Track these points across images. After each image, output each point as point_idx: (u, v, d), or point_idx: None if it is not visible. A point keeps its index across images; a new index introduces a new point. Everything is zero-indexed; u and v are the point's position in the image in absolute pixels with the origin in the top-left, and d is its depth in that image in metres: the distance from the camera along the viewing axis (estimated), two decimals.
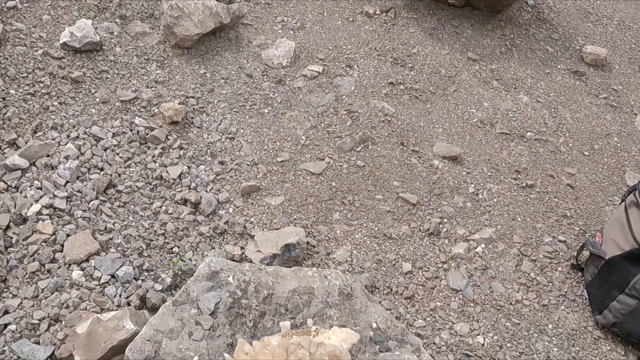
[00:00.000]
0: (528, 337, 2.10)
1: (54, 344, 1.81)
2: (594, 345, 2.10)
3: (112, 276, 2.08)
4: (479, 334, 2.09)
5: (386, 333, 1.52)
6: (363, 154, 2.81)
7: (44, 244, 2.12)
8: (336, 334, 0.89)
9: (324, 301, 1.53)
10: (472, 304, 2.20)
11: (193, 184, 2.53)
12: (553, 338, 2.11)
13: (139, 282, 2.10)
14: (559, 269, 2.37)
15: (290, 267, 1.79)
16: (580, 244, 2.37)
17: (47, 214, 2.21)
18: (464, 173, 2.79)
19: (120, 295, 2.02)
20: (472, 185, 2.73)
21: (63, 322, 1.87)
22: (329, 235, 2.42)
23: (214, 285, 1.51)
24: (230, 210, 2.50)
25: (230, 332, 1.40)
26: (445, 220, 2.54)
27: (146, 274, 2.15)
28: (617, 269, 2.05)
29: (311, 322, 1.48)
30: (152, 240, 2.29)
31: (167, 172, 2.56)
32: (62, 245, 2.12)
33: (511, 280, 2.31)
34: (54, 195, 2.28)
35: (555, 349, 2.07)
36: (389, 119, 2.98)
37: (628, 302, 2.01)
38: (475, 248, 2.43)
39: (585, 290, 2.25)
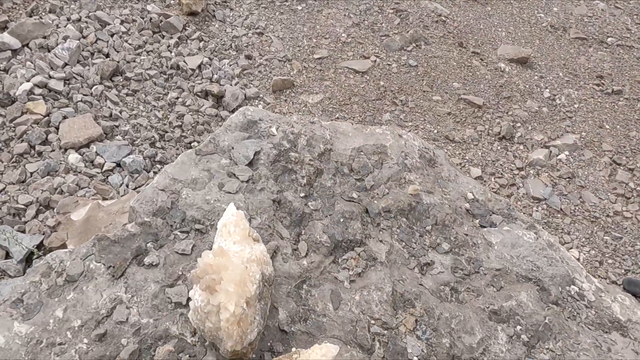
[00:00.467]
0: (634, 252, 1.68)
1: (43, 233, 1.42)
2: None
3: (118, 164, 1.68)
4: (571, 247, 1.67)
5: (487, 206, 1.10)
6: (415, 54, 2.37)
7: (34, 125, 1.72)
8: (315, 351, 0.62)
9: (400, 163, 1.12)
10: (559, 215, 1.78)
11: (215, 76, 2.11)
12: None
13: (150, 173, 1.70)
14: None
15: None
16: None
17: (39, 94, 1.80)
18: (536, 77, 2.33)
19: (127, 185, 1.62)
20: (547, 90, 2.28)
21: (55, 208, 1.48)
22: None
23: (252, 136, 1.10)
24: (260, 106, 2.08)
25: (277, 187, 1.00)
26: (519, 124, 2.10)
27: (159, 166, 1.75)
28: None
29: (384, 187, 1.06)
30: (166, 132, 1.88)
31: (184, 62, 2.14)
32: (57, 128, 1.72)
33: (605, 191, 1.87)
34: (50, 76, 1.88)
35: None
36: (444, 19, 2.53)
37: None
38: (558, 155, 1.99)
39: None
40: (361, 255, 0.93)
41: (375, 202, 1.04)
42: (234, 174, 1.01)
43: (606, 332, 0.89)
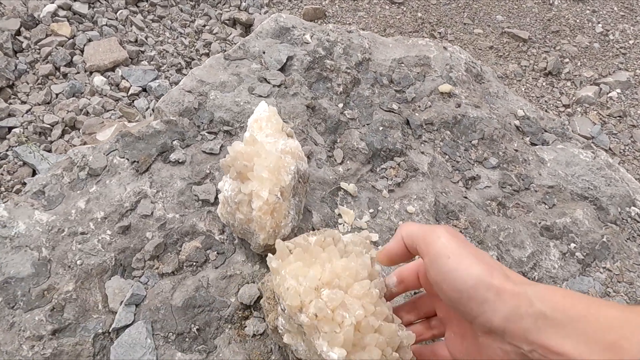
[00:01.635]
0: None
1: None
2: None
3: (144, 89, 1.63)
4: None
5: (538, 124, 1.00)
6: None
7: (59, 47, 1.67)
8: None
9: (445, 76, 1.02)
10: (608, 154, 1.65)
11: (244, 4, 2.01)
12: None
13: None
14: None
15: None
16: None
17: (64, 16, 1.75)
18: (587, 11, 2.15)
19: (152, 110, 1.58)
20: (600, 25, 2.09)
21: (80, 129, 1.44)
22: None
23: (284, 42, 1.02)
24: None
25: (310, 94, 0.92)
26: (567, 60, 1.95)
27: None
28: None
29: (427, 99, 0.97)
30: (193, 60, 1.81)
31: None
32: (82, 51, 1.67)
33: None
34: None
35: None
36: None
37: None
38: (609, 93, 1.84)
39: None
40: (401, 165, 0.86)
41: (417, 114, 0.96)
42: (265, 79, 0.94)
43: None
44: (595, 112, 1.79)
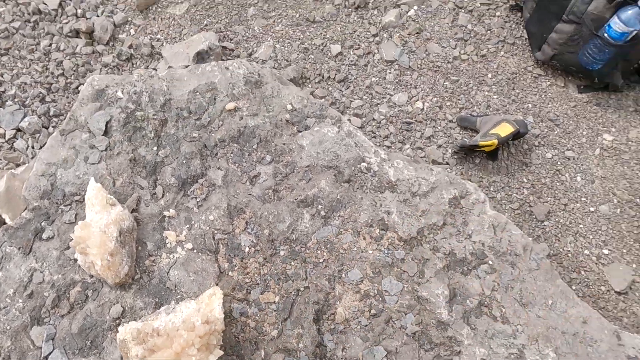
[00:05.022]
0: (467, 91, 2.03)
1: None
2: (534, 84, 2.04)
3: (18, 129, 1.90)
4: (417, 100, 2.01)
5: (303, 112, 1.40)
6: None
7: None
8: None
9: (229, 94, 1.38)
10: (408, 72, 2.08)
11: (79, 11, 2.17)
12: (492, 86, 2.03)
13: (50, 129, 1.92)
14: (497, 14, 2.19)
15: None
16: None
17: None
18: None
19: (32, 147, 1.86)
20: None
21: None
22: (247, 33, 2.16)
23: (103, 105, 1.34)
24: (132, 31, 2.19)
25: (131, 147, 1.28)
26: None
27: (56, 119, 1.96)
28: None
29: (218, 120, 1.35)
30: (51, 84, 2.04)
31: (44, 3, 2.17)
32: None
33: (447, 38, 2.14)
34: None
35: (495, 97, 2.01)
36: None
37: (565, 30, 1.88)
38: (408, 12, 2.20)
39: (524, 30, 2.11)
40: (203, 184, 1.27)
41: (213, 135, 1.34)
42: (95, 146, 1.28)
43: (382, 192, 1.28)
44: (398, 34, 2.17)
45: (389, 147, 1.91)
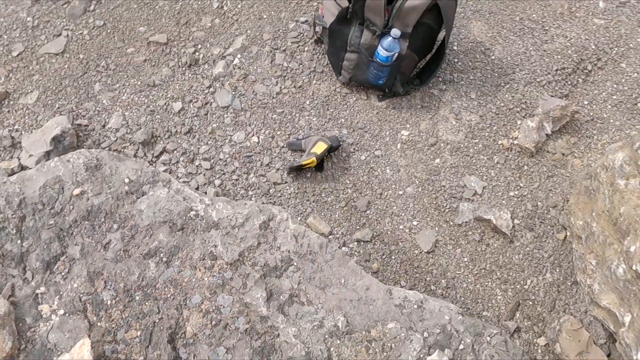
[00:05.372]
0: (292, 119, 2.47)
1: None
2: (343, 101, 2.53)
3: None
4: (253, 135, 2.43)
5: (139, 182, 1.76)
6: (99, 12, 2.68)
7: None
8: None
9: (74, 182, 1.71)
10: (242, 113, 2.48)
11: None
12: (311, 111, 2.49)
13: None
14: (306, 49, 2.65)
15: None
16: (312, 19, 2.62)
17: None
18: None
19: None
20: (215, 1, 2.76)
21: None
22: (97, 108, 2.47)
23: None
24: None
25: None
26: (199, 46, 2.64)
27: None
28: (336, 33, 2.35)
29: (69, 205, 1.67)
30: None
31: None
32: None
33: (269, 77, 2.57)
34: None
35: (314, 119, 2.47)
36: None
37: (351, 58, 2.37)
38: (233, 61, 2.60)
39: (327, 59, 2.59)
40: (65, 260, 1.59)
41: (66, 218, 1.67)
42: None
43: (208, 231, 1.68)
44: (228, 82, 2.57)
45: (236, 179, 2.31)
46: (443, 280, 2.15)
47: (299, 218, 2.24)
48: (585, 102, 2.60)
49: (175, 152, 2.36)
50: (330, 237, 2.20)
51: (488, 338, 1.56)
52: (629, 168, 1.51)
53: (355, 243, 2.20)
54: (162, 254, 1.63)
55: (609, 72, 2.69)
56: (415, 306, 1.59)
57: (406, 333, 1.53)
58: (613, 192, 1.61)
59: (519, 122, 2.50)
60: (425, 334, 1.54)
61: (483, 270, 2.18)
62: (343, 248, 2.19)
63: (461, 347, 1.52)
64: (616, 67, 2.71)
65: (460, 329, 1.56)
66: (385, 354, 1.49)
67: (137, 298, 1.55)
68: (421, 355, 1.49)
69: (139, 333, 1.49)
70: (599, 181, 1.77)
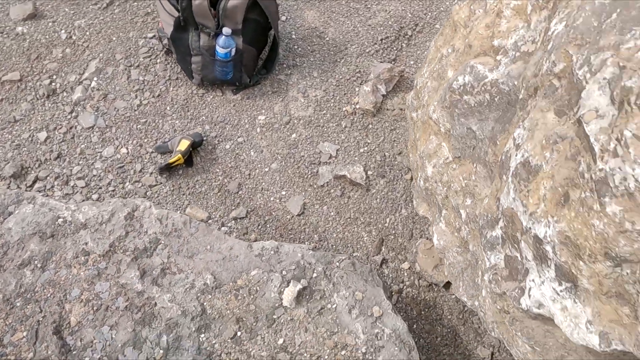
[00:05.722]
0: (156, 126, 2.67)
1: None
2: (201, 101, 2.76)
3: None
4: (122, 148, 2.60)
5: (4, 204, 1.89)
6: None
7: None
8: None
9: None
10: (107, 130, 2.64)
11: None
12: (173, 115, 2.71)
13: None
14: (158, 61, 2.86)
15: None
16: (157, 33, 2.84)
17: None
18: (50, 24, 2.91)
19: None
20: (63, 32, 2.90)
21: None
22: None
23: None
24: None
25: None
26: (55, 76, 2.76)
27: None
28: (177, 41, 2.59)
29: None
30: None
31: None
32: None
33: (128, 92, 2.75)
34: None
35: (177, 122, 2.69)
36: None
37: (197, 60, 2.62)
38: (91, 84, 2.76)
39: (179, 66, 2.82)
40: None
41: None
42: None
43: (78, 232, 1.84)
44: (89, 104, 2.72)
45: (113, 190, 2.47)
46: (315, 235, 2.45)
47: (178, 212, 2.44)
48: (412, 62, 3.04)
49: (48, 178, 2.47)
50: (210, 221, 2.43)
51: (337, 264, 1.87)
52: (415, 102, 1.89)
53: (233, 222, 2.44)
54: (36, 261, 1.77)
55: (426, 34, 3.16)
56: (272, 252, 1.86)
57: (267, 275, 1.79)
58: (413, 124, 1.98)
59: (357, 89, 2.87)
60: (284, 272, 1.81)
61: (349, 219, 2.51)
62: (222, 228, 2.42)
63: (314, 275, 1.82)
64: (432, 29, 3.18)
65: (312, 261, 1.85)
66: (252, 296, 1.75)
67: (18, 304, 1.68)
68: (282, 289, 1.76)
69: (25, 334, 1.63)
70: (409, 119, 2.15)
